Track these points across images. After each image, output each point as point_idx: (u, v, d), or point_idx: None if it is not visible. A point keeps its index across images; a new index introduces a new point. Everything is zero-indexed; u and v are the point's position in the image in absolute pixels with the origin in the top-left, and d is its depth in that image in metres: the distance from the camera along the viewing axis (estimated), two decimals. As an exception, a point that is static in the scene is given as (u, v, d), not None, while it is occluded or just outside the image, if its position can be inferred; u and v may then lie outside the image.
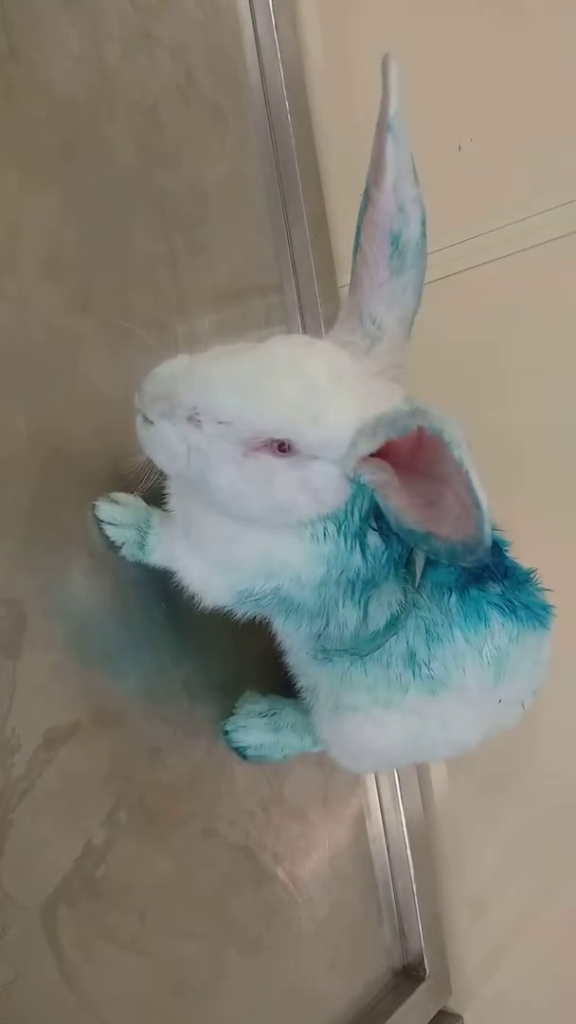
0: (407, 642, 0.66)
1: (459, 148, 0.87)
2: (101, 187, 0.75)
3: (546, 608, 0.69)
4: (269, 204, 0.92)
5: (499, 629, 0.66)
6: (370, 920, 0.93)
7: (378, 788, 0.95)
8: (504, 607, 0.66)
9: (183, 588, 0.69)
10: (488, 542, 0.49)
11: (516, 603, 0.67)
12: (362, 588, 0.65)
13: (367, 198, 0.58)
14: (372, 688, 0.68)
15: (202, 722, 0.77)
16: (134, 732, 0.72)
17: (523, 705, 0.73)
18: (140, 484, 0.62)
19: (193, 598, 0.69)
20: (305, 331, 0.93)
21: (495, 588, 0.66)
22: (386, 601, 0.65)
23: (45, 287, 0.70)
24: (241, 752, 0.79)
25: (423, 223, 0.59)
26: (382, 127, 0.56)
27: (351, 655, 0.68)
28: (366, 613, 0.66)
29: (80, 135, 0.74)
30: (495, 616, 0.66)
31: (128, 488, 0.73)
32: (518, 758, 0.93)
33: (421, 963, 0.95)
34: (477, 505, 0.48)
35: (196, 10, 0.86)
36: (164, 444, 0.57)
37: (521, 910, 0.96)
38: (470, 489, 0.48)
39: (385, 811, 0.95)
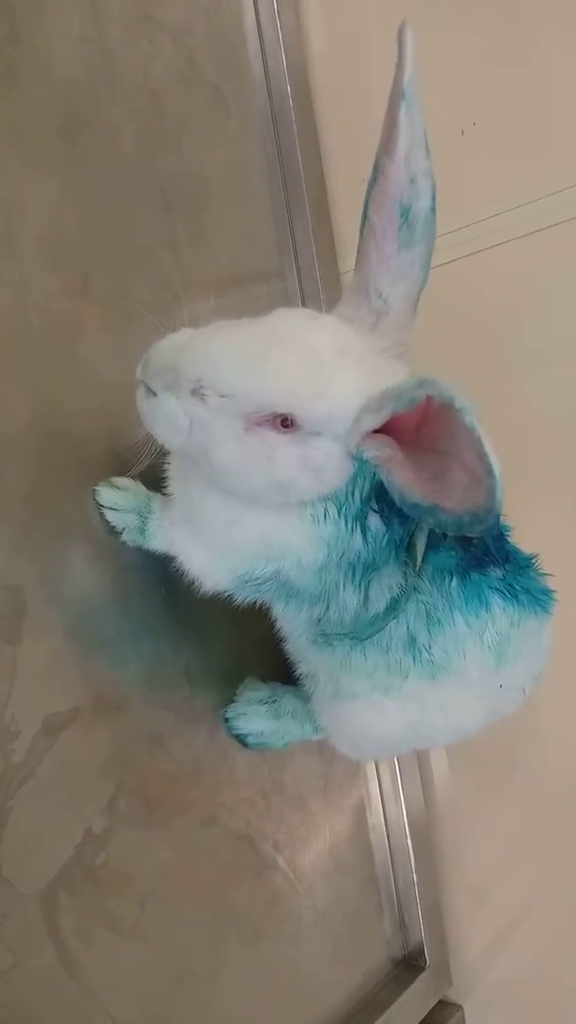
0: (407, 626, 0.65)
1: (462, 133, 0.87)
2: (102, 170, 0.74)
3: (547, 593, 0.68)
4: (271, 190, 0.91)
5: (500, 614, 0.66)
6: (370, 909, 0.93)
7: (379, 777, 0.95)
8: (505, 591, 0.66)
9: (183, 573, 0.69)
10: (500, 509, 0.49)
11: (517, 588, 0.66)
12: (363, 571, 0.64)
13: (377, 169, 0.57)
14: (372, 673, 0.68)
15: (203, 709, 0.77)
16: (134, 719, 0.71)
17: (524, 691, 0.73)
18: (137, 462, 0.62)
19: (193, 583, 0.69)
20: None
21: (496, 572, 0.65)
22: (386, 585, 0.65)
23: (45, 271, 0.69)
24: (242, 739, 0.79)
25: (433, 197, 0.58)
26: (396, 95, 0.55)
27: (351, 639, 0.67)
28: (367, 597, 0.65)
29: (81, 118, 0.73)
30: (496, 600, 0.65)
31: (128, 472, 0.72)
32: (519, 747, 0.93)
33: (421, 953, 0.95)
34: (489, 471, 0.47)
35: (198, -6, 0.86)
36: (166, 417, 0.56)
37: (521, 900, 0.96)
38: (483, 455, 0.47)
39: (386, 800, 0.95)
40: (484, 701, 0.71)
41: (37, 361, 0.68)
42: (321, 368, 0.55)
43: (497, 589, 0.65)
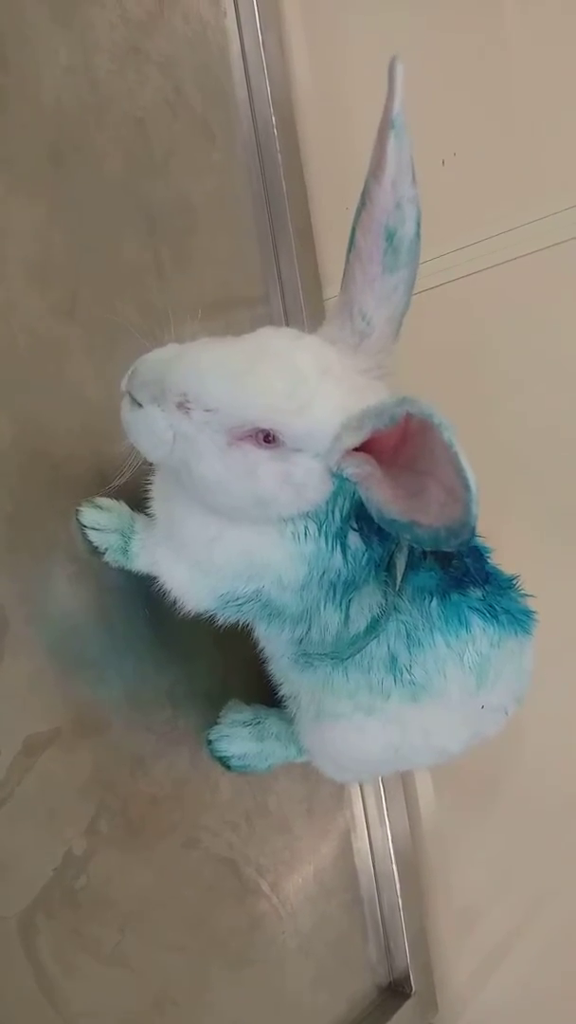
0: (388, 647, 0.66)
1: (443, 163, 0.89)
2: (89, 196, 0.75)
3: (528, 614, 0.69)
4: (255, 217, 0.93)
5: (480, 635, 0.66)
6: (355, 935, 0.92)
7: (364, 801, 0.95)
8: (485, 612, 0.66)
9: (166, 594, 0.69)
10: (475, 523, 0.50)
11: (498, 608, 0.66)
12: (343, 590, 0.64)
13: (365, 194, 0.59)
14: (354, 694, 0.68)
15: (185, 731, 0.77)
16: (116, 740, 0.71)
17: (506, 712, 0.73)
18: (119, 475, 0.62)
19: (176, 604, 0.69)
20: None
21: (476, 593, 0.66)
22: (367, 604, 0.65)
23: (31, 293, 0.70)
24: (225, 762, 0.78)
25: (418, 223, 0.60)
26: (385, 124, 0.57)
27: (333, 659, 0.67)
28: (347, 616, 0.66)
29: (68, 144, 0.74)
30: (476, 621, 0.66)
31: (112, 493, 0.72)
32: (504, 770, 0.93)
33: (407, 979, 0.94)
34: (466, 486, 0.48)
35: (184, 26, 0.88)
36: (150, 429, 0.57)
37: (508, 925, 0.95)
38: (459, 470, 0.48)
39: (371, 824, 0.95)
40: (466, 722, 0.71)
41: (21, 382, 0.69)
42: (303, 385, 0.55)
43: (477, 610, 0.66)
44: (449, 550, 0.57)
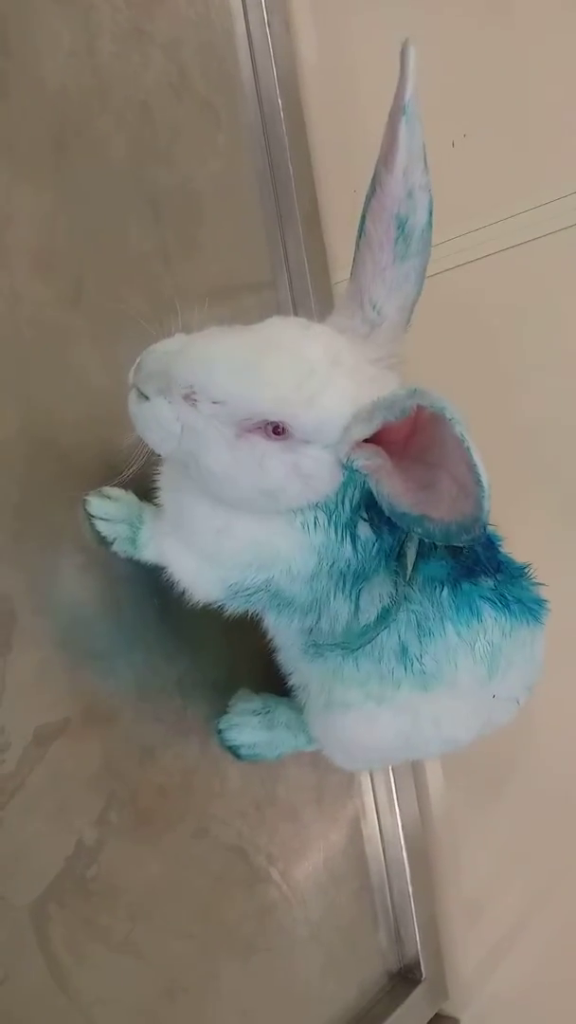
0: (399, 636, 0.65)
1: (453, 144, 0.87)
2: (93, 181, 0.74)
3: (540, 603, 0.68)
4: (262, 201, 0.92)
5: (492, 624, 0.65)
6: (365, 922, 0.92)
7: (374, 789, 0.95)
8: (497, 601, 0.66)
9: (174, 584, 0.69)
10: (487, 519, 0.49)
11: (509, 597, 0.66)
12: (353, 580, 0.64)
13: (376, 182, 0.58)
14: (364, 683, 0.67)
15: (195, 721, 0.77)
16: (126, 730, 0.71)
17: (518, 701, 0.73)
18: (128, 467, 0.61)
19: (184, 594, 0.68)
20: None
21: (487, 582, 0.65)
22: (377, 594, 0.65)
23: (36, 281, 0.69)
24: (234, 751, 0.78)
25: (430, 211, 0.59)
26: (397, 110, 0.56)
27: (343, 649, 0.67)
28: (357, 607, 0.65)
29: (72, 129, 0.73)
30: (487, 610, 0.65)
31: (119, 483, 0.72)
32: (514, 760, 0.93)
33: (417, 966, 0.94)
34: (478, 482, 0.48)
35: (188, 8, 0.86)
36: (158, 422, 0.57)
37: (518, 912, 0.95)
38: (472, 466, 0.48)
39: (381, 812, 0.94)
40: (477, 711, 0.70)
41: (27, 371, 0.68)
42: (313, 377, 0.55)
43: (488, 599, 0.65)
44: (460, 545, 0.57)
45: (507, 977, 0.96)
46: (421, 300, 0.62)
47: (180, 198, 0.82)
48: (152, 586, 0.72)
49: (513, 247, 0.86)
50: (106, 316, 0.74)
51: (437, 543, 0.61)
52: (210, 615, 0.69)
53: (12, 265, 0.68)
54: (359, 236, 0.60)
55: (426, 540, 0.61)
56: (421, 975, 0.94)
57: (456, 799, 0.99)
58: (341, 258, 0.96)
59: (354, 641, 0.66)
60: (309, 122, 0.96)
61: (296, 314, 0.93)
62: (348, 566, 0.63)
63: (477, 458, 0.47)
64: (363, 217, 0.59)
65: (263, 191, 0.91)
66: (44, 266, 0.70)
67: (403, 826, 0.95)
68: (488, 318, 0.88)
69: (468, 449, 0.48)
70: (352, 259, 0.61)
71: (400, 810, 0.95)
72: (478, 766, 0.95)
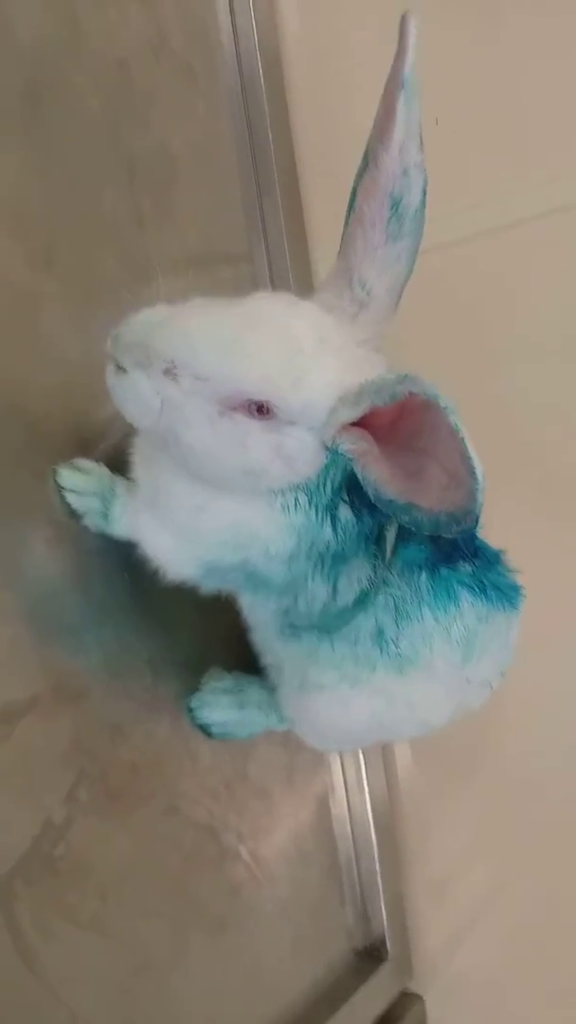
0: (376, 619, 0.65)
1: (436, 122, 0.85)
2: (66, 140, 0.72)
3: (516, 589, 0.68)
4: (240, 169, 0.89)
5: (468, 609, 0.65)
6: (332, 900, 0.92)
7: (343, 768, 0.94)
8: (474, 587, 0.65)
9: (147, 560, 0.67)
10: (480, 512, 0.48)
11: (487, 583, 0.65)
12: (332, 563, 0.63)
13: (369, 158, 0.56)
14: (339, 665, 0.67)
15: (166, 699, 0.75)
16: (95, 708, 0.70)
17: (491, 686, 0.73)
18: (102, 443, 0.60)
19: (158, 571, 0.67)
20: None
21: (466, 568, 0.65)
22: (356, 577, 0.64)
23: (6, 242, 0.67)
24: (205, 729, 0.77)
25: (424, 191, 0.57)
26: (395, 84, 0.54)
27: (319, 631, 0.66)
28: (335, 589, 0.65)
29: (45, 84, 0.70)
30: (465, 596, 0.65)
31: (91, 454, 0.70)
32: (482, 742, 0.93)
33: (383, 944, 0.95)
34: (472, 474, 0.47)
35: (167, -36, 0.83)
36: (137, 396, 0.55)
37: (483, 892, 0.96)
38: (466, 457, 0.47)
39: (350, 791, 0.94)
40: (450, 695, 0.70)
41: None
42: (300, 356, 0.54)
43: (466, 584, 0.65)
44: (449, 536, 0.56)
45: (471, 956, 0.97)
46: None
47: (156, 162, 0.80)
48: (123, 562, 0.70)
49: (498, 229, 0.85)
50: (78, 280, 0.71)
51: (426, 534, 0.60)
52: (183, 593, 0.68)
53: (-19, 226, 0.66)
54: (349, 212, 0.58)
55: (414, 530, 0.60)
56: (387, 953, 0.94)
57: (424, 779, 0.99)
58: (320, 229, 0.94)
59: (331, 623, 0.65)
60: (290, 89, 0.93)
61: (273, 287, 0.91)
62: (327, 548, 0.62)
63: (472, 450, 0.46)
64: (354, 192, 0.58)
65: (241, 159, 0.89)
66: (14, 226, 0.67)
67: (372, 805, 0.95)
68: (472, 299, 0.87)
69: (462, 440, 0.47)
70: (341, 236, 0.59)
71: (369, 789, 0.95)
72: (446, 747, 0.95)
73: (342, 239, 0.59)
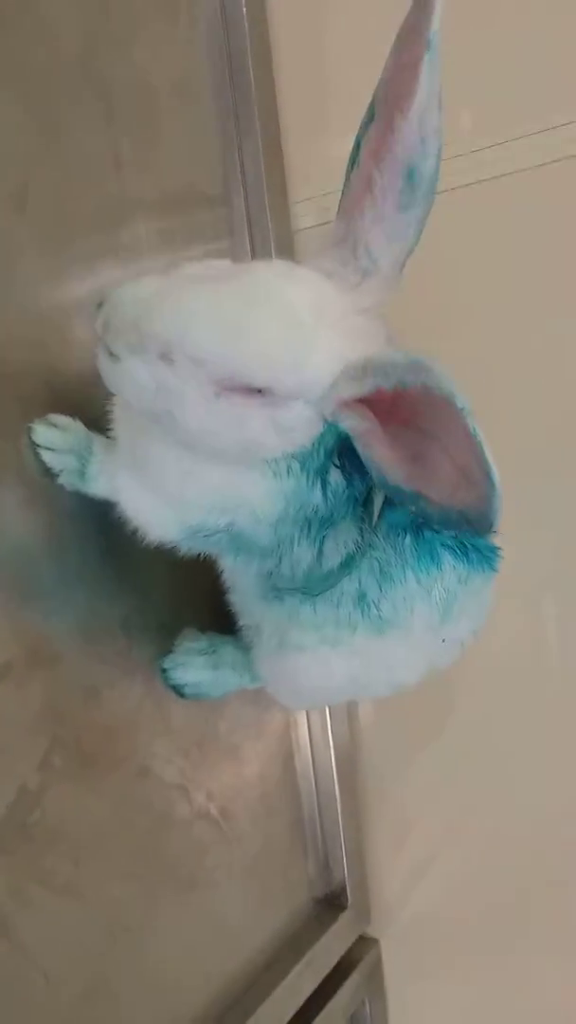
0: (359, 582, 0.64)
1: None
2: (40, 74, 0.67)
3: (494, 550, 0.67)
4: (218, 107, 0.85)
5: (450, 571, 0.65)
6: (296, 853, 0.93)
7: (309, 724, 0.95)
8: (456, 549, 0.65)
9: (124, 521, 0.65)
10: (497, 520, 0.47)
11: (468, 545, 0.65)
12: (319, 526, 0.62)
13: (380, 117, 0.53)
14: (320, 627, 0.66)
15: (139, 661, 0.74)
16: (69, 672, 0.68)
17: (463, 645, 0.73)
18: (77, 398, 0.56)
19: (135, 532, 0.65)
20: (252, 246, 0.87)
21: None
22: (342, 541, 0.63)
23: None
24: (179, 690, 0.76)
25: (439, 157, 0.54)
26: (418, 44, 0.50)
27: (303, 594, 0.65)
28: (321, 552, 0.64)
29: (18, 14, 0.65)
30: (447, 558, 0.64)
31: (65, 410, 0.67)
32: (443, 694, 0.94)
33: (343, 892, 0.97)
34: (489, 480, 0.45)
35: None
36: (133, 382, 0.52)
37: (438, 840, 0.99)
38: (482, 462, 0.45)
39: (315, 745, 0.95)
40: (424, 655, 0.70)
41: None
42: (300, 332, 0.51)
43: (449, 547, 0.64)
44: (465, 535, 0.54)
45: (425, 901, 1.00)
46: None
47: (134, 97, 0.75)
48: (98, 522, 0.68)
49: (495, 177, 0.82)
50: (54, 224, 0.67)
51: (440, 530, 0.58)
52: (157, 554, 0.66)
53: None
54: (350, 170, 0.55)
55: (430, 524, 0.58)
56: (347, 901, 0.96)
57: (385, 731, 1.01)
58: (300, 172, 0.90)
59: (316, 586, 0.64)
60: (272, 24, 0.89)
61: (252, 229, 0.87)
62: (315, 512, 0.60)
63: (488, 454, 0.44)
64: (357, 148, 0.54)
65: (221, 98, 0.84)
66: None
67: (336, 758, 0.95)
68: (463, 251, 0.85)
69: (479, 444, 0.45)
70: (342, 200, 0.56)
71: (334, 743, 0.95)
72: (407, 700, 0.96)
73: (343, 201, 0.56)
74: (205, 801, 0.80)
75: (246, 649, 0.75)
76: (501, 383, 0.83)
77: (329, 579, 0.64)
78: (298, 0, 0.89)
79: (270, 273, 0.53)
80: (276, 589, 0.67)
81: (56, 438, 0.66)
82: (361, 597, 0.64)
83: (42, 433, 0.65)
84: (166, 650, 0.76)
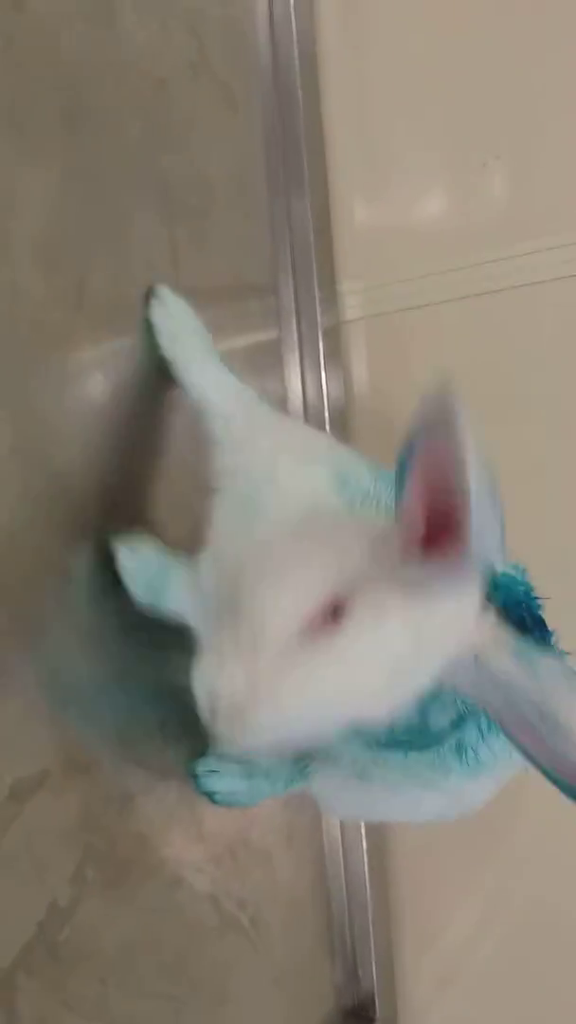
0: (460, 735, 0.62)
1: (484, 165, 0.82)
2: (103, 163, 0.66)
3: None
4: (271, 197, 0.84)
5: None
6: (324, 960, 0.89)
7: (341, 828, 0.91)
8: None
9: (164, 622, 0.63)
10: None
11: None
12: (429, 696, 0.60)
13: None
14: (409, 767, 0.64)
15: (176, 763, 0.71)
16: (106, 779, 0.65)
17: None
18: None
19: (175, 631, 0.62)
20: (300, 336, 0.86)
21: None
22: (449, 700, 0.60)
23: (37, 273, 0.61)
24: (211, 797, 0.73)
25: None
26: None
27: (408, 748, 0.63)
28: (426, 719, 0.61)
29: (84, 104, 0.65)
30: None
31: (125, 518, 0.66)
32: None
33: (372, 1003, 0.92)
34: None
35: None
36: None
37: (464, 947, 0.95)
38: None
39: (347, 850, 0.91)
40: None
41: (23, 380, 0.60)
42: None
43: None
44: None
45: (452, 1010, 0.95)
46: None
47: (191, 187, 0.75)
48: (137, 625, 0.66)
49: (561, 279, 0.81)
50: (109, 314, 0.66)
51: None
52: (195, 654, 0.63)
53: (14, 254, 0.60)
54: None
55: None
56: (375, 1012, 0.92)
57: (416, 835, 0.97)
58: (349, 266, 0.90)
59: (420, 742, 0.62)
60: (326, 112, 0.89)
61: (299, 320, 0.86)
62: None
63: None
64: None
65: (274, 189, 0.84)
66: (46, 256, 0.62)
67: (368, 863, 0.92)
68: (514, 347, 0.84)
69: None
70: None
71: (367, 847, 0.92)
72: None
73: None
74: (236, 910, 0.77)
75: (286, 760, 0.72)
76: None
77: (439, 738, 0.62)
78: (352, 94, 0.89)
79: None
80: (381, 745, 0.64)
81: (135, 561, 0.65)
82: (459, 746, 0.62)
83: (123, 555, 0.65)
84: (202, 750, 0.73)
